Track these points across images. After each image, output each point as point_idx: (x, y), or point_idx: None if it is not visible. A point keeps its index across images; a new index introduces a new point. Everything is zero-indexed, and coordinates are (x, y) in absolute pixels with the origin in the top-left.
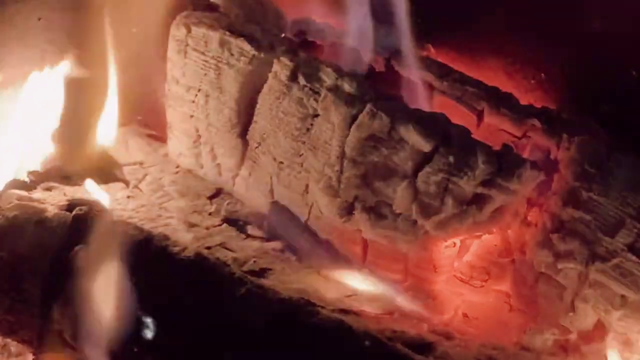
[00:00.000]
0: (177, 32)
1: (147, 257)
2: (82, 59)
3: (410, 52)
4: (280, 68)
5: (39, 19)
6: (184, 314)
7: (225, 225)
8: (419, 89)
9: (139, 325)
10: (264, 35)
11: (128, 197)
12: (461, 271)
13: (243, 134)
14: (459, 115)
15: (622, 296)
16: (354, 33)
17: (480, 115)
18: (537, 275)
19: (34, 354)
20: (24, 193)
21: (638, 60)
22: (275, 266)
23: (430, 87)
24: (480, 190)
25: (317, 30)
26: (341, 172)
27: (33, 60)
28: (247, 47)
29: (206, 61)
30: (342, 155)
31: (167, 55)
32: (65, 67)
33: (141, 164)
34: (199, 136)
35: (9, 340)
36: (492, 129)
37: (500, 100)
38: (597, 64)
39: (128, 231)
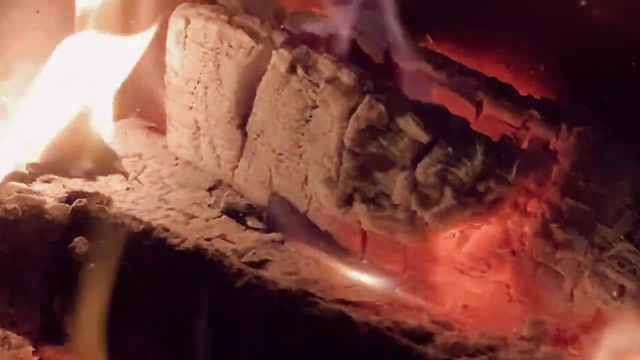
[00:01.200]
0: (175, 23)
1: (147, 248)
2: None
3: (409, 43)
4: (279, 60)
5: (38, 12)
6: (184, 305)
7: (224, 216)
8: (417, 80)
9: (138, 317)
10: (263, 27)
11: (127, 189)
12: (460, 262)
13: (242, 125)
14: (458, 106)
15: (621, 286)
16: (352, 25)
17: (479, 106)
18: (536, 266)
19: (34, 347)
20: (23, 185)
21: (638, 50)
22: (275, 257)
23: (429, 78)
24: (479, 181)
25: (316, 22)
26: (340, 163)
27: (31, 53)
28: (245, 39)
29: (205, 53)
30: (341, 147)
31: (166, 47)
32: (63, 60)
33: (140, 156)
34: (198, 128)
35: (9, 332)
36: (491, 120)
37: (499, 91)
38: (596, 54)
39: (127, 223)
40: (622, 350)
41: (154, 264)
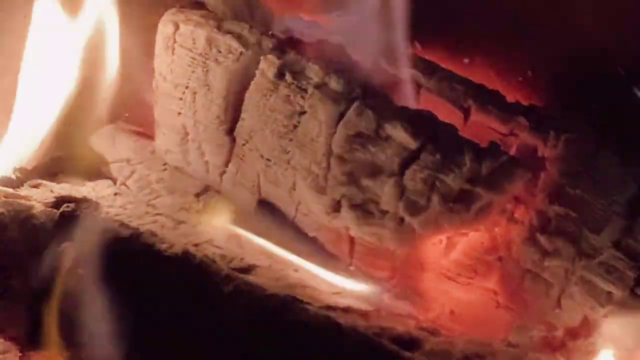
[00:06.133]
0: (164, 29)
1: (135, 254)
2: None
3: (397, 49)
4: (268, 65)
5: (25, 17)
6: (171, 311)
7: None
8: (406, 86)
9: (126, 322)
10: (252, 33)
11: (115, 194)
12: (448, 268)
13: (230, 131)
14: (446, 113)
15: (608, 293)
16: (341, 31)
17: (467, 113)
18: (523, 273)
19: (21, 352)
20: (10, 190)
21: (625, 57)
22: (263, 263)
23: (418, 85)
24: (467, 187)
25: (304, 28)
26: (328, 169)
27: (18, 58)
28: (234, 44)
29: (194, 58)
30: (329, 153)
31: (155, 52)
32: (52, 63)
33: (128, 161)
34: (187, 133)
35: None
36: (479, 126)
37: (487, 98)
38: (584, 61)
39: (115, 228)
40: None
41: (141, 270)
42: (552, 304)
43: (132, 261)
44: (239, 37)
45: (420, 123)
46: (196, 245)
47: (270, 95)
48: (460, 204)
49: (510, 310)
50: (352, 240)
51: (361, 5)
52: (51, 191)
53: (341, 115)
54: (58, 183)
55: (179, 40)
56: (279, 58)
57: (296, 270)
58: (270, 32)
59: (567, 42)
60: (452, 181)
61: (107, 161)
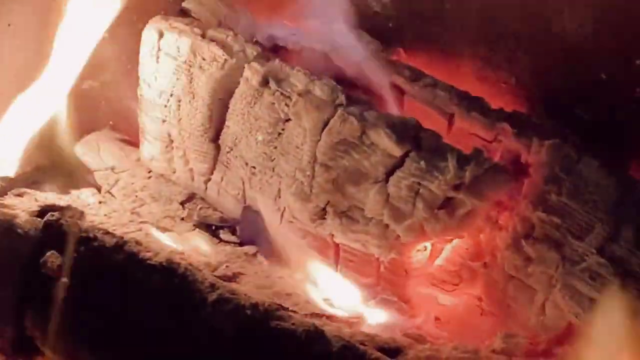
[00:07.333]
0: (149, 36)
1: (119, 262)
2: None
3: (381, 56)
4: (252, 73)
5: (9, 25)
6: (156, 319)
7: (197, 230)
8: (390, 93)
9: (110, 331)
10: (236, 41)
11: (100, 202)
12: (433, 275)
13: (215, 138)
14: (430, 120)
15: (592, 299)
16: (325, 38)
17: (451, 119)
18: (508, 279)
19: None
20: None
21: (608, 63)
22: (248, 271)
23: (401, 92)
24: (451, 194)
25: (288, 35)
26: (313, 176)
27: (2, 65)
28: (219, 52)
29: (178, 66)
30: (313, 160)
31: (139, 59)
32: (35, 73)
33: (113, 169)
34: (171, 141)
35: None
36: (463, 133)
37: (471, 104)
38: (567, 68)
39: (100, 236)
40: None
41: (125, 278)
42: (536, 310)
43: (117, 270)
44: (223, 45)
45: (404, 130)
46: (181, 253)
47: (255, 103)
48: (445, 211)
49: (495, 316)
50: (337, 247)
51: (345, 12)
52: (35, 200)
53: (325, 123)
54: (42, 192)
55: (164, 48)
56: (263, 66)
57: (281, 278)
58: (254, 40)
59: (550, 49)
60: (436, 188)
61: (92, 169)
